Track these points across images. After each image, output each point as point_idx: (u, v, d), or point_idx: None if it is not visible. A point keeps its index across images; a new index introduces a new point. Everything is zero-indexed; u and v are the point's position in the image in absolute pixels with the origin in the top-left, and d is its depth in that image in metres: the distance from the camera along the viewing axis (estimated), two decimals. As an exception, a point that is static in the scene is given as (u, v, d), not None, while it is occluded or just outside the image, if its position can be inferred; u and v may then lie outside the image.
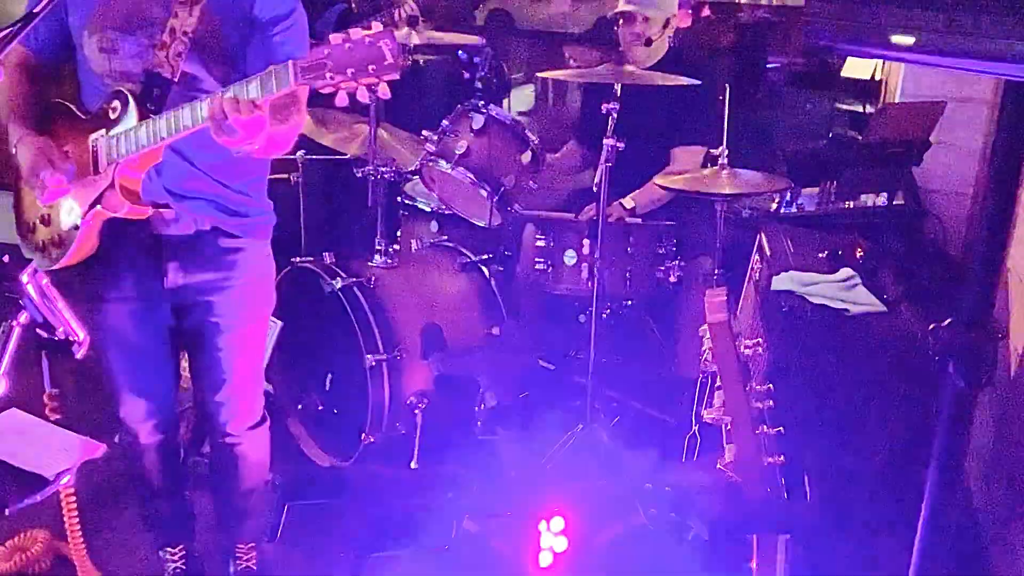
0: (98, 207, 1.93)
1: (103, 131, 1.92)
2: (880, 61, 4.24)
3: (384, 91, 1.62)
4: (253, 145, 1.83)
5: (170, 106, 1.87)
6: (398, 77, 1.60)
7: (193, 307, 2.14)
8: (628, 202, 3.20)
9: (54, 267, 2.00)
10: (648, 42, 3.22)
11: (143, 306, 2.12)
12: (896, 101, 3.68)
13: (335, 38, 1.61)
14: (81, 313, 1.96)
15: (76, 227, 1.96)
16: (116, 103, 1.91)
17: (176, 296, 2.11)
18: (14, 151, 1.99)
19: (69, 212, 1.98)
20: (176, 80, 1.93)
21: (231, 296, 2.14)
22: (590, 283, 2.94)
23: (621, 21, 3.29)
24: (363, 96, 1.63)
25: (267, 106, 1.73)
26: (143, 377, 2.21)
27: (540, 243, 3.15)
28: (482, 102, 3.04)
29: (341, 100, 1.63)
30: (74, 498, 2.22)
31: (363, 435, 2.87)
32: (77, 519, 2.25)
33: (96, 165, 1.93)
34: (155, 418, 2.26)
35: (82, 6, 1.95)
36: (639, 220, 3.18)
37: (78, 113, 1.99)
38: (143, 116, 1.86)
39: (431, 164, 3.06)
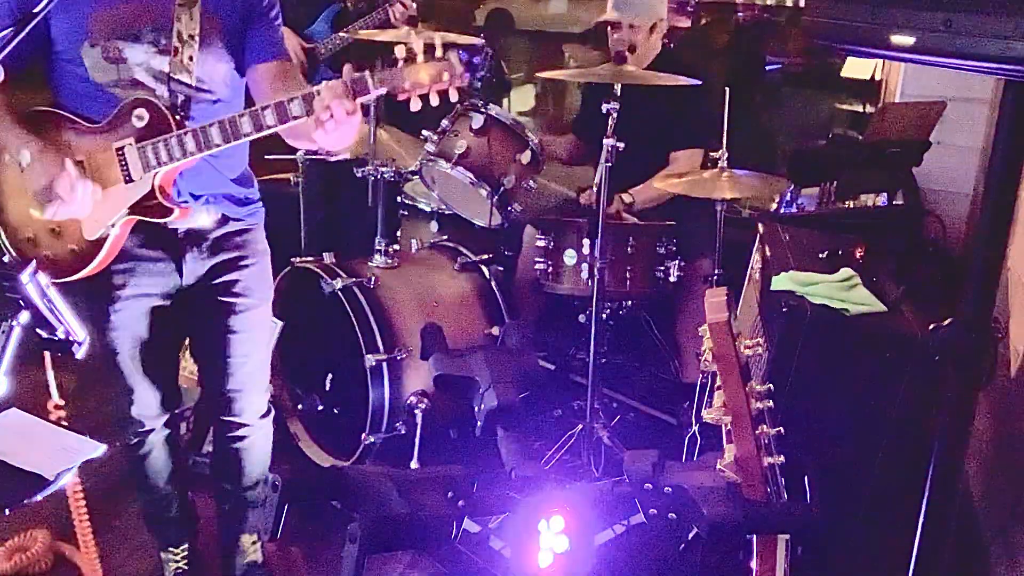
0: (130, 215, 1.96)
1: (130, 139, 1.92)
2: (880, 61, 4.24)
3: (454, 94, 1.80)
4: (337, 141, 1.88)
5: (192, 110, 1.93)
6: (466, 84, 1.80)
7: (207, 294, 2.17)
8: (628, 197, 3.21)
9: (74, 278, 1.99)
10: (632, 48, 3.25)
11: (159, 301, 2.15)
12: (896, 101, 3.67)
13: (401, 58, 1.74)
14: (95, 313, 2.01)
15: (104, 236, 1.97)
16: (141, 111, 1.91)
17: (191, 287, 2.15)
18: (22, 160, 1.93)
19: (94, 222, 1.96)
20: (195, 85, 1.96)
21: (242, 278, 2.19)
22: (590, 283, 2.94)
23: (610, 27, 3.32)
24: (434, 100, 1.78)
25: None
26: (158, 371, 2.24)
27: (540, 243, 3.15)
28: (482, 102, 3.05)
29: (415, 105, 1.78)
30: (83, 498, 2.23)
31: (363, 435, 2.87)
32: (87, 519, 2.26)
33: (128, 173, 1.93)
34: (166, 412, 2.30)
35: (71, 16, 1.90)
36: (639, 220, 3.19)
37: (82, 123, 1.97)
38: (179, 124, 1.90)
39: (431, 164, 3.06)
